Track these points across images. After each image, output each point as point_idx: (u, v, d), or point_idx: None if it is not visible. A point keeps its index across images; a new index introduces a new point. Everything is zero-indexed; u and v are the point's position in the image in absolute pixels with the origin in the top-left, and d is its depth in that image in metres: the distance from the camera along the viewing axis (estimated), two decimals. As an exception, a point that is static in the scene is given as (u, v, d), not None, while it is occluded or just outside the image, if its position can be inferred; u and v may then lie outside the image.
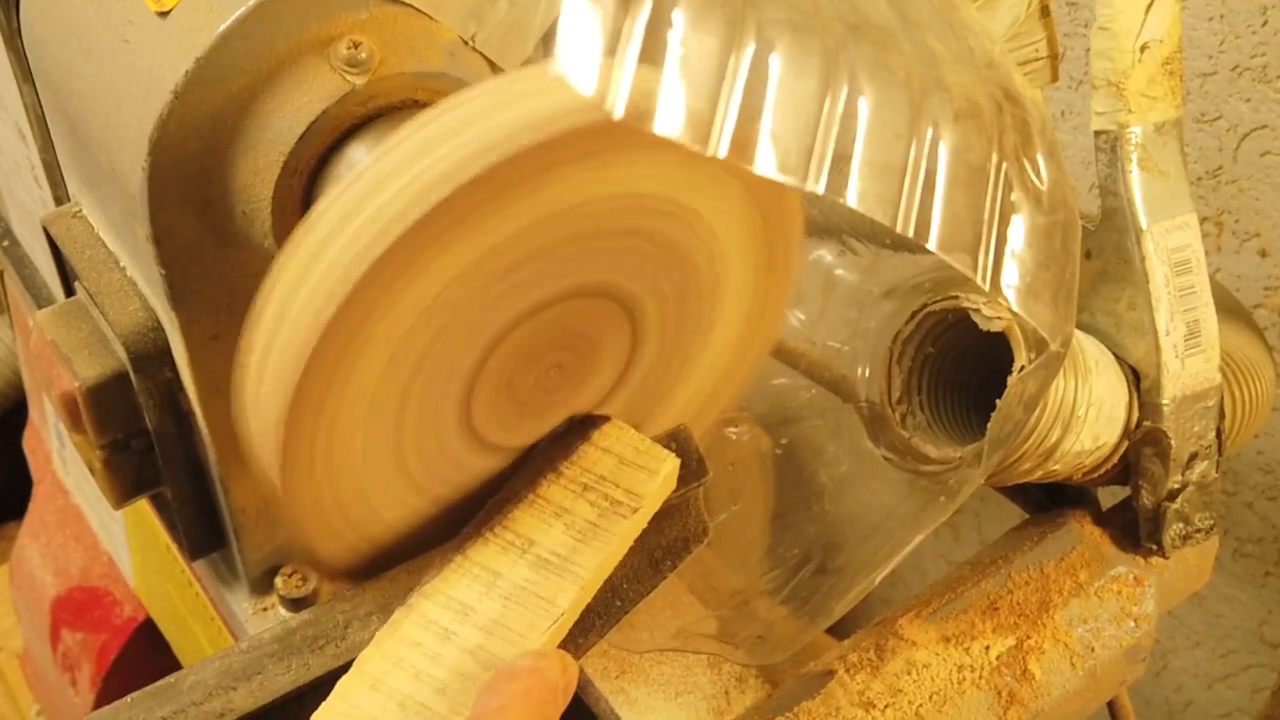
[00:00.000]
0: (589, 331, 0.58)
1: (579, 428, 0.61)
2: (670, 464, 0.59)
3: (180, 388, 0.65)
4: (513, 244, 0.52)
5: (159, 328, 0.64)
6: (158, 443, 0.67)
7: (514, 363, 0.57)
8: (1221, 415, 0.78)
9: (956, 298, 0.74)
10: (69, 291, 0.75)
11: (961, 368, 0.77)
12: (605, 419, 0.61)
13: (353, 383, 0.52)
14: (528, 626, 0.54)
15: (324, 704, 0.53)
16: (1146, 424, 0.76)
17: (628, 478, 0.59)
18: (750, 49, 0.50)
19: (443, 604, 0.55)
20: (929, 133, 0.54)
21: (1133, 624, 0.77)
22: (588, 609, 0.61)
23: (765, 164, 0.50)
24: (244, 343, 0.52)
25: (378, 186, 0.49)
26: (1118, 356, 0.77)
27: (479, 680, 0.52)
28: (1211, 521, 0.79)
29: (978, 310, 0.72)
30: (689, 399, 0.65)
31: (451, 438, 0.57)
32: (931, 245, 0.54)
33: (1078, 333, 0.76)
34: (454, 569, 0.56)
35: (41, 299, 0.82)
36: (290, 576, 0.71)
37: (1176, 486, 0.78)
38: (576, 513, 0.58)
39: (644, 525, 0.59)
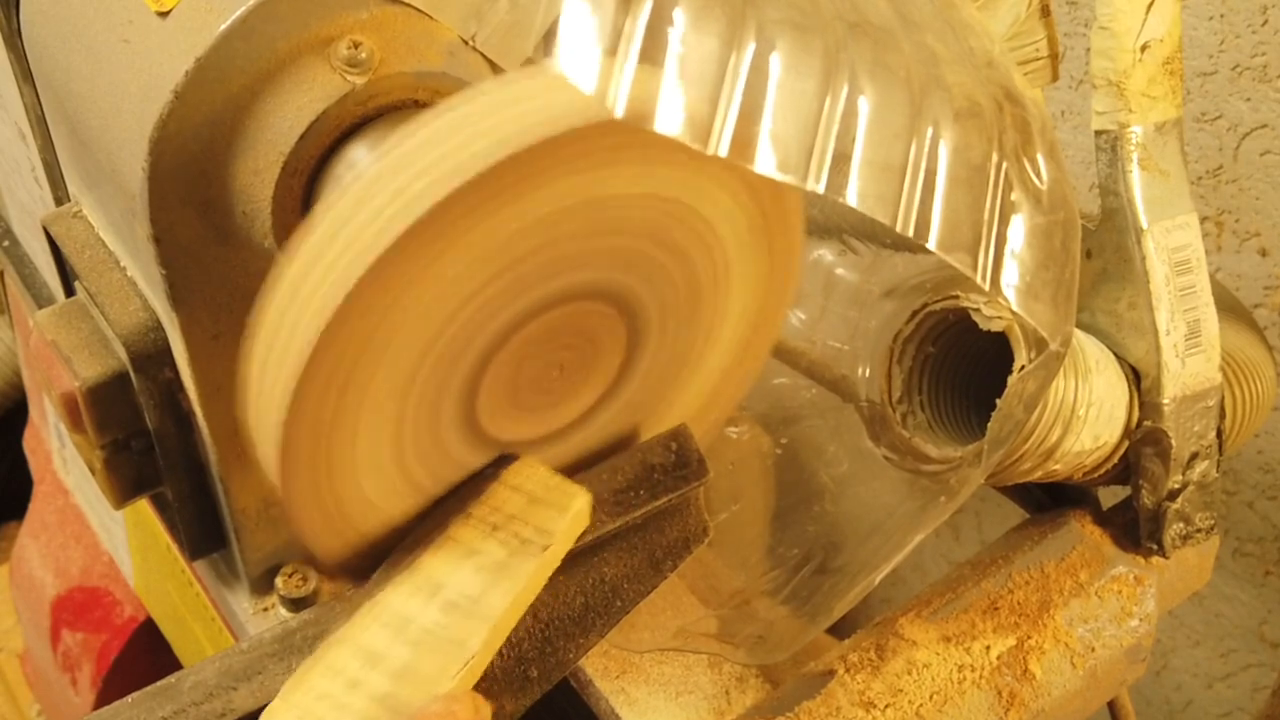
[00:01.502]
0: (590, 331, 0.58)
1: (490, 466, 0.59)
2: (581, 500, 0.58)
3: (180, 388, 0.65)
4: (514, 244, 0.52)
5: (159, 327, 0.64)
6: (158, 443, 0.67)
7: (515, 362, 0.57)
8: (1222, 415, 0.78)
9: (957, 297, 0.74)
10: (69, 291, 0.75)
11: (962, 367, 0.77)
12: (514, 457, 0.60)
13: (354, 382, 0.52)
14: (438, 670, 0.53)
15: None
16: (1147, 423, 0.76)
17: (538, 515, 0.57)
18: (750, 48, 0.50)
19: (351, 652, 0.54)
20: (929, 132, 0.54)
21: (1133, 624, 0.77)
22: (587, 608, 0.61)
23: (765, 163, 0.50)
24: (247, 341, 0.52)
25: (379, 187, 0.49)
26: (1118, 356, 0.77)
27: None
28: (1212, 521, 0.79)
29: (978, 310, 0.72)
30: (691, 398, 0.65)
31: (453, 437, 0.57)
32: (931, 245, 0.54)
33: (1078, 332, 0.76)
34: (363, 615, 0.55)
35: (42, 299, 0.82)
36: (290, 576, 0.71)
37: (1177, 486, 0.78)
38: (486, 553, 0.56)
39: (556, 563, 0.57)
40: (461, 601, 0.55)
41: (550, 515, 0.57)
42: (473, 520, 0.58)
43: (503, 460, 0.59)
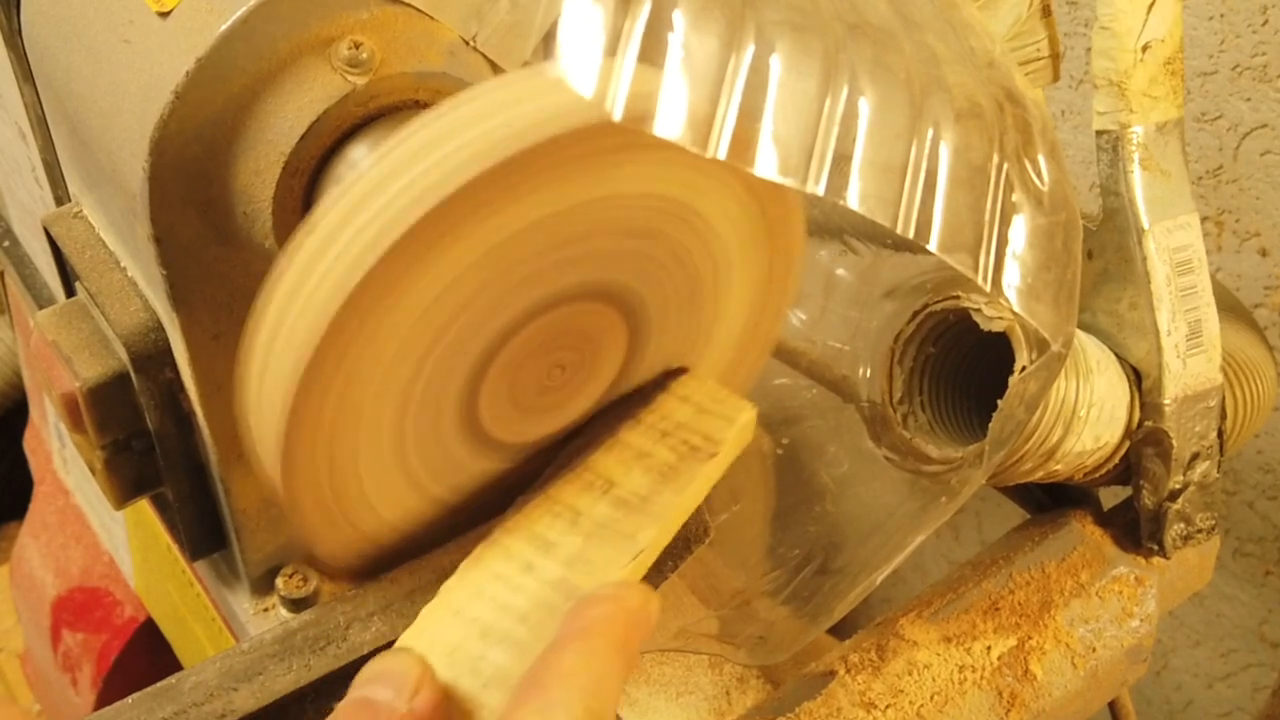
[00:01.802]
0: (591, 331, 0.58)
1: (657, 380, 0.62)
2: (748, 413, 0.60)
3: (181, 388, 0.65)
4: (513, 245, 0.52)
5: (160, 328, 0.64)
6: (159, 443, 0.67)
7: (517, 363, 0.57)
8: (1223, 415, 0.78)
9: (958, 298, 0.74)
10: (69, 292, 0.75)
11: (963, 368, 0.77)
12: (683, 370, 0.62)
13: (354, 383, 0.52)
14: (608, 561, 0.55)
15: (407, 631, 0.54)
16: (1148, 424, 0.76)
17: (706, 424, 0.59)
18: (750, 50, 0.50)
19: (525, 538, 0.56)
20: (930, 133, 0.54)
21: (1134, 624, 0.77)
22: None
23: (766, 165, 0.50)
24: (246, 342, 0.52)
25: (379, 187, 0.49)
26: (1119, 356, 0.77)
27: (561, 610, 0.53)
28: (1213, 521, 0.79)
29: (979, 310, 0.72)
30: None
31: (454, 438, 0.57)
32: (932, 246, 0.54)
33: (1079, 333, 0.76)
34: (536, 506, 0.57)
35: (42, 299, 0.82)
36: (291, 577, 0.71)
37: (1178, 486, 0.78)
38: (656, 456, 0.58)
39: (723, 469, 0.59)
40: (632, 499, 0.57)
41: (718, 425, 0.59)
42: (643, 426, 0.60)
43: (670, 373, 0.62)
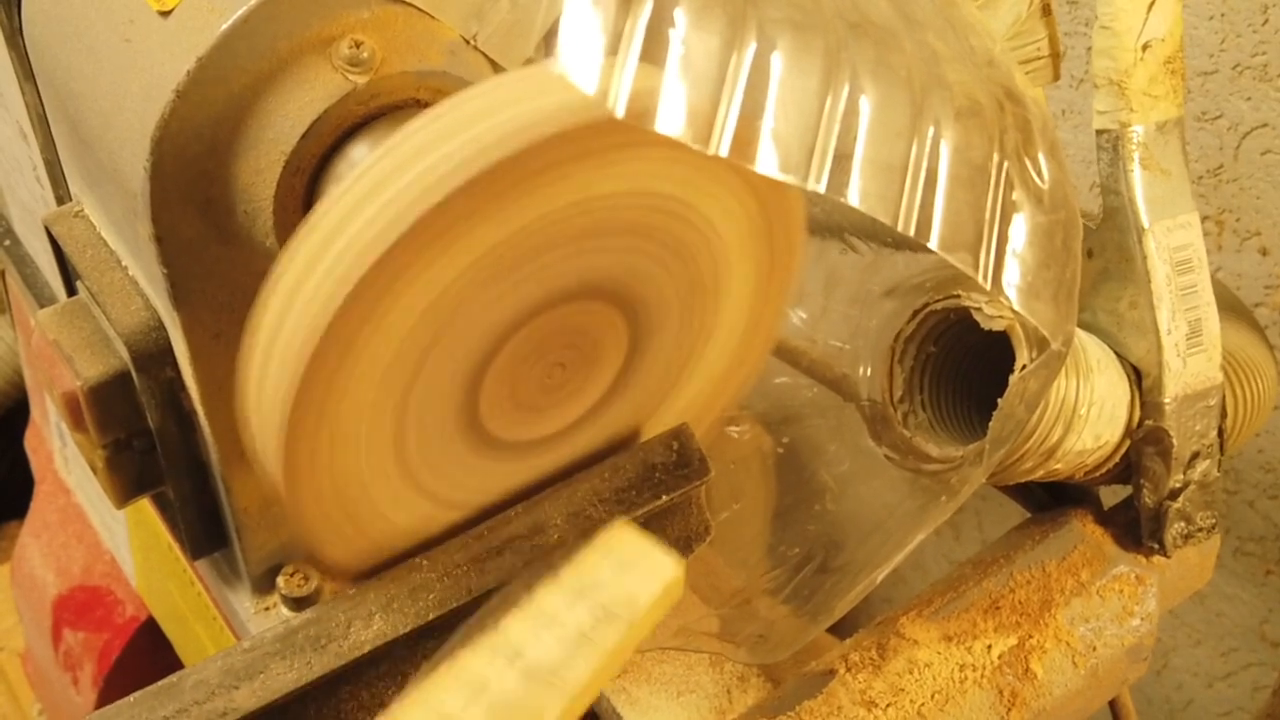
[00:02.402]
0: (592, 330, 0.58)
1: (584, 531, 0.59)
2: (673, 570, 0.56)
3: (182, 387, 0.65)
4: (514, 242, 0.52)
5: (161, 327, 0.64)
6: (160, 442, 0.67)
7: (517, 362, 0.57)
8: (1223, 414, 0.78)
9: (958, 296, 0.74)
10: (71, 291, 0.75)
11: (963, 367, 0.77)
12: (607, 524, 0.59)
13: (354, 383, 0.52)
14: None
15: None
16: (1148, 423, 0.76)
17: (627, 584, 0.56)
18: (752, 48, 0.50)
19: (425, 712, 0.54)
20: (930, 131, 0.54)
21: (1134, 623, 0.77)
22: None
23: (767, 163, 0.50)
24: (246, 342, 0.52)
25: (379, 186, 0.49)
26: (1119, 355, 0.77)
27: None
28: (1213, 520, 0.79)
29: (979, 309, 0.72)
30: (693, 398, 0.65)
31: (454, 437, 0.57)
32: (933, 244, 0.54)
33: (1079, 331, 0.76)
34: (442, 674, 0.55)
35: (43, 298, 0.82)
36: (292, 576, 0.71)
37: (1178, 485, 0.78)
38: (569, 622, 0.55)
39: (642, 635, 0.56)
40: (540, 670, 0.54)
41: (640, 585, 0.56)
42: (559, 585, 0.56)
43: (595, 523, 0.59)
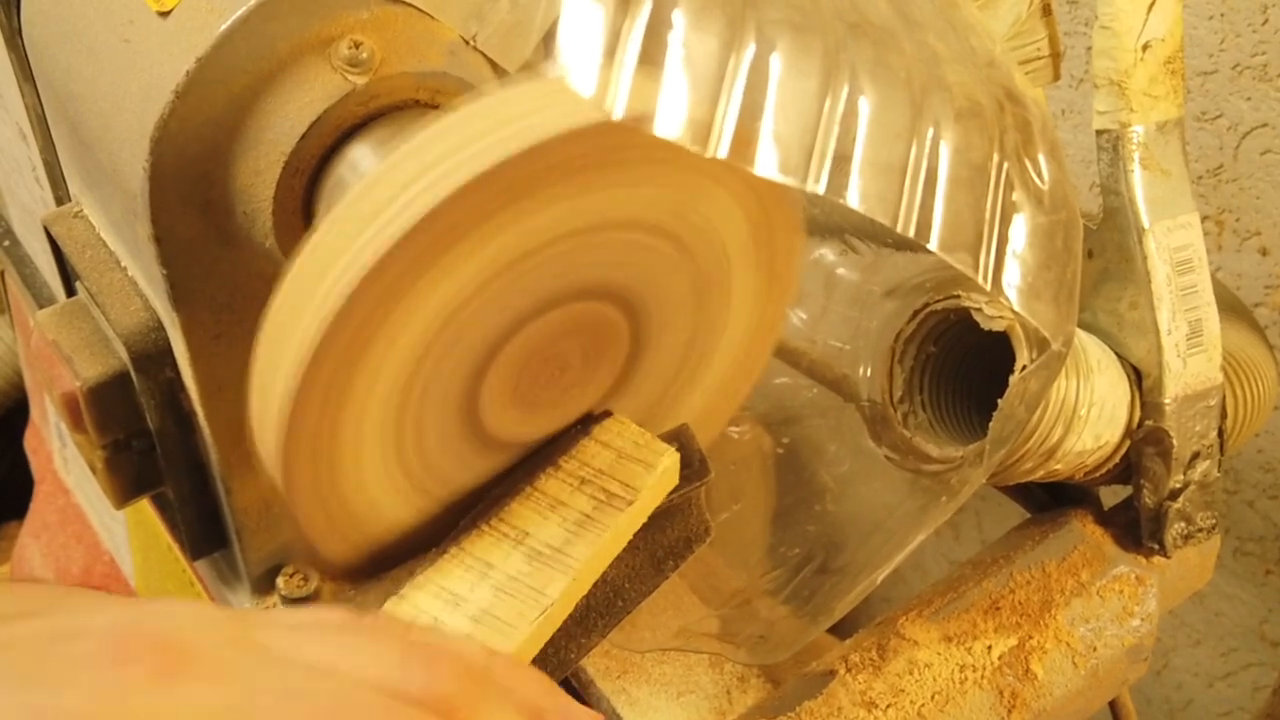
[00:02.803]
0: (593, 331, 0.58)
1: (581, 423, 0.61)
2: (669, 458, 0.59)
3: (182, 388, 0.65)
4: (516, 244, 0.52)
5: (160, 328, 0.64)
6: (159, 443, 0.67)
7: (519, 362, 0.57)
8: (1223, 414, 0.78)
9: (958, 297, 0.74)
10: (70, 291, 0.75)
11: (963, 367, 0.77)
12: (607, 414, 0.61)
13: (355, 384, 0.52)
14: (516, 615, 0.54)
15: None
16: (1148, 423, 0.76)
17: (625, 471, 0.59)
18: (751, 49, 0.50)
19: (434, 593, 0.56)
20: (930, 132, 0.54)
21: (1135, 623, 0.77)
22: (589, 608, 0.60)
23: (766, 164, 0.50)
24: (255, 343, 0.52)
25: (383, 189, 0.49)
26: (1119, 356, 0.77)
27: None
28: (1213, 521, 0.80)
29: (979, 310, 0.72)
30: (694, 399, 0.65)
31: (456, 437, 0.57)
32: (932, 245, 0.54)
33: (1079, 332, 0.76)
34: (448, 560, 0.57)
35: (42, 299, 0.82)
36: (292, 576, 0.71)
37: (1178, 486, 0.78)
38: (572, 506, 0.58)
39: (642, 519, 0.59)
40: (545, 551, 0.56)
41: (637, 471, 0.59)
42: (561, 473, 0.59)
43: (593, 418, 0.61)
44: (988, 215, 0.56)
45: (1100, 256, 0.77)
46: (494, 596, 0.55)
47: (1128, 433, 0.77)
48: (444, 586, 0.56)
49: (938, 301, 0.75)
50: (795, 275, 0.63)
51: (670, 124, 0.48)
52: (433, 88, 0.60)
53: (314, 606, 0.53)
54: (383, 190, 0.49)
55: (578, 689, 0.78)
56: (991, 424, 0.67)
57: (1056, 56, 0.75)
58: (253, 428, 0.54)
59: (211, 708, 0.42)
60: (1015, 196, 0.57)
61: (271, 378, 0.51)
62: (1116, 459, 0.78)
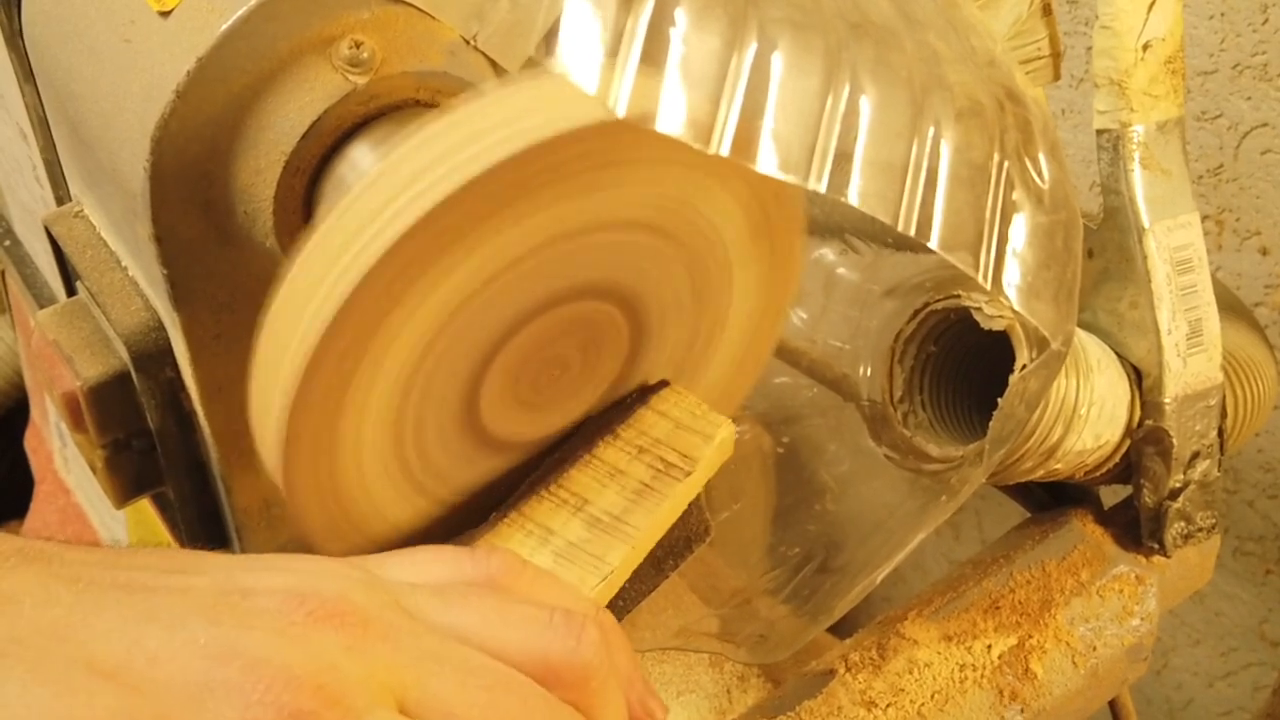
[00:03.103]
0: (594, 330, 0.58)
1: (639, 393, 0.62)
2: (726, 429, 0.60)
3: (182, 387, 0.65)
4: (516, 244, 0.52)
5: (161, 327, 0.64)
6: (160, 442, 0.67)
7: (519, 361, 0.57)
8: (1223, 414, 0.78)
9: (958, 296, 0.74)
10: (70, 291, 0.75)
11: (963, 366, 0.77)
12: (664, 384, 0.62)
13: (355, 384, 0.52)
14: (578, 581, 0.55)
15: None
16: (1148, 423, 0.76)
17: (683, 441, 0.59)
18: (752, 48, 0.50)
19: None
20: (931, 131, 0.54)
21: (1134, 623, 0.77)
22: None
23: (767, 163, 0.50)
24: (255, 344, 0.52)
25: (381, 189, 0.49)
26: (1119, 355, 0.77)
27: None
28: (1213, 520, 0.80)
29: (979, 309, 0.72)
30: (705, 397, 0.65)
31: (456, 437, 0.57)
32: (933, 244, 0.54)
33: (1079, 331, 0.76)
34: (508, 525, 0.57)
35: (43, 298, 0.82)
36: (292, 576, 0.71)
37: (1178, 485, 0.78)
38: (631, 474, 0.58)
39: (699, 488, 0.59)
40: (604, 518, 0.57)
41: (695, 442, 0.59)
42: (620, 441, 0.60)
43: (651, 388, 0.61)
44: (988, 214, 0.56)
45: (1100, 256, 0.77)
46: (554, 562, 0.56)
47: (1128, 432, 0.77)
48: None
49: (938, 301, 0.75)
50: (796, 274, 0.63)
51: (672, 122, 0.49)
52: (433, 87, 0.60)
53: (423, 548, 0.54)
54: (383, 190, 0.49)
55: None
56: (991, 423, 0.67)
57: (1057, 56, 0.75)
58: (253, 428, 0.54)
59: (390, 668, 0.45)
60: (1015, 196, 0.57)
61: (272, 378, 0.51)
62: (1116, 458, 0.78)
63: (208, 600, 0.46)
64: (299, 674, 0.43)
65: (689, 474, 0.58)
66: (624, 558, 0.56)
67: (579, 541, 0.56)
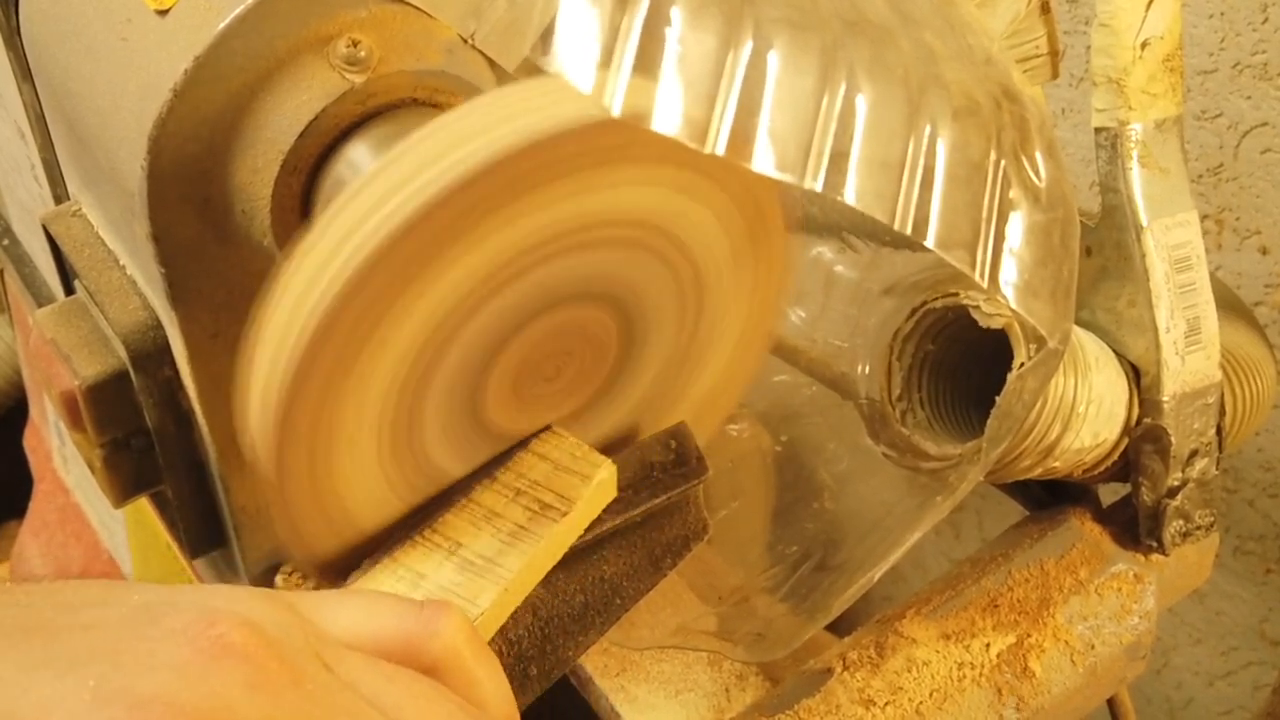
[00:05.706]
0: (589, 330, 0.58)
1: (521, 439, 0.60)
2: (606, 470, 0.58)
3: (180, 386, 0.65)
4: (513, 244, 0.52)
5: (159, 326, 0.64)
6: (158, 441, 0.67)
7: (514, 362, 0.57)
8: (1222, 412, 0.78)
9: (956, 295, 0.74)
10: (69, 290, 0.76)
11: (961, 365, 0.77)
12: (546, 427, 0.60)
13: (350, 387, 0.52)
14: None
15: None
16: (1147, 421, 0.76)
17: (561, 482, 0.58)
18: (748, 47, 0.50)
19: None
20: (927, 130, 0.54)
21: (1133, 621, 0.77)
22: (587, 606, 0.60)
23: (763, 162, 0.50)
24: (246, 346, 0.52)
25: (384, 190, 0.49)
26: (1118, 353, 0.77)
27: None
28: (1212, 519, 0.80)
29: (977, 307, 0.72)
30: (691, 397, 0.65)
31: (459, 430, 0.57)
32: (930, 242, 0.54)
33: (1077, 330, 0.76)
34: (380, 570, 0.56)
35: (41, 297, 0.82)
36: (290, 575, 0.71)
37: (1177, 483, 0.78)
38: (507, 516, 0.57)
39: (579, 529, 0.58)
40: (478, 561, 0.55)
41: (573, 483, 0.58)
42: (497, 485, 0.58)
43: (537, 432, 0.60)
44: (985, 213, 0.56)
45: (1099, 254, 0.77)
46: None
47: (1126, 430, 0.77)
48: None
49: (936, 299, 0.75)
50: (789, 272, 0.63)
51: (668, 121, 0.49)
52: (430, 86, 0.60)
53: (378, 596, 0.53)
54: (379, 187, 0.49)
55: (576, 687, 0.78)
56: (989, 421, 0.67)
57: (1055, 54, 0.75)
58: (244, 422, 0.54)
59: (293, 716, 0.43)
60: (1012, 194, 0.57)
61: (267, 372, 0.51)
62: (1115, 456, 0.78)
63: (112, 636, 0.44)
64: (189, 713, 0.41)
65: (565, 515, 0.56)
66: (495, 600, 0.54)
67: (450, 585, 0.55)
